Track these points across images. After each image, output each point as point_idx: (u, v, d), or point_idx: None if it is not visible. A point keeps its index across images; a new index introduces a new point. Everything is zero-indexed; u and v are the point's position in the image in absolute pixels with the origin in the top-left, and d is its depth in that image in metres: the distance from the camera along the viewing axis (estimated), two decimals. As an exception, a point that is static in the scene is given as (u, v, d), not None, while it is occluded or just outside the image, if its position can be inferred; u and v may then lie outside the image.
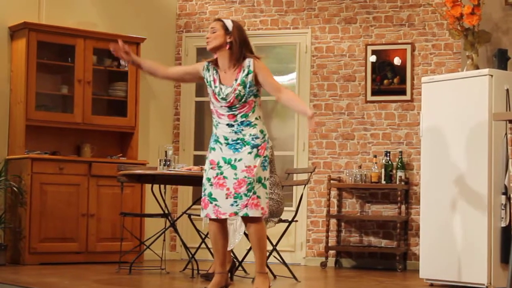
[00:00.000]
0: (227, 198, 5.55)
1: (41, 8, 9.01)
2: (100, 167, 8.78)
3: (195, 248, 7.88)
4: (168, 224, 7.75)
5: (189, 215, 7.68)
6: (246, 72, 5.59)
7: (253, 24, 9.69)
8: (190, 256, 7.50)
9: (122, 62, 6.48)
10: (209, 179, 5.64)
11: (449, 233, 6.99)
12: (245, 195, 5.51)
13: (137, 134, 9.21)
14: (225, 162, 5.59)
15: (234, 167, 5.56)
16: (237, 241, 7.01)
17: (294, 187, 9.01)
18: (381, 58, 9.19)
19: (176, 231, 7.76)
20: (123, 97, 9.22)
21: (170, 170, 7.26)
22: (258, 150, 5.55)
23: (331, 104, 9.36)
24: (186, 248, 7.68)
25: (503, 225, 6.72)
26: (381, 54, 9.20)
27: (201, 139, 9.91)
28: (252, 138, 5.56)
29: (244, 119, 5.58)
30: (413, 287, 7.17)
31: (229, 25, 5.65)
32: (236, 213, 5.55)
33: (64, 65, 8.91)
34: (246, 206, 5.51)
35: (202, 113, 9.97)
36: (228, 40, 5.61)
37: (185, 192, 9.59)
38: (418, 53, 9.08)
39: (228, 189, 5.55)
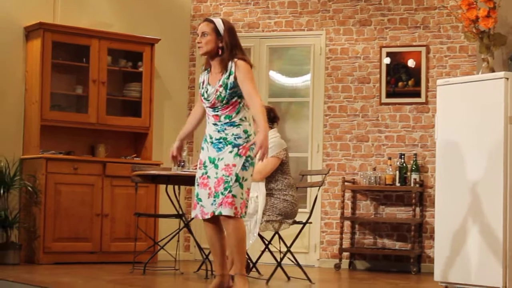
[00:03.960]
0: (208, 197, 5.49)
1: (56, 8, 9.03)
2: (114, 167, 8.81)
3: (209, 248, 7.87)
4: (182, 224, 7.76)
5: (203, 216, 7.66)
6: (228, 73, 5.49)
7: (267, 25, 9.70)
8: (204, 256, 7.51)
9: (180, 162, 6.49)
10: (197, 179, 5.62)
11: (464, 236, 6.98)
12: (222, 193, 5.42)
13: (151, 135, 9.23)
14: (210, 162, 5.54)
15: (216, 167, 5.50)
16: (251, 242, 7.02)
17: (308, 188, 9.01)
18: (396, 60, 9.18)
19: (190, 231, 7.78)
20: (137, 98, 9.24)
21: (184, 171, 7.27)
22: (239, 150, 5.46)
23: (345, 106, 9.36)
24: (200, 248, 7.70)
25: (518, 228, 6.71)
26: (396, 56, 9.19)
27: (215, 140, 9.91)
28: (234, 137, 5.48)
29: (227, 120, 5.50)
30: (428, 290, 7.18)
31: (221, 27, 5.52)
32: (214, 212, 5.47)
33: (78, 66, 8.95)
34: (221, 204, 5.42)
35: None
36: (220, 45, 5.51)
37: (199, 193, 9.59)
38: (433, 55, 9.08)
39: (210, 188, 5.49)
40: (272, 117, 7.45)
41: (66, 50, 8.92)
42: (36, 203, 8.39)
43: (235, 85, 5.47)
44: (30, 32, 8.76)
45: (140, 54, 9.25)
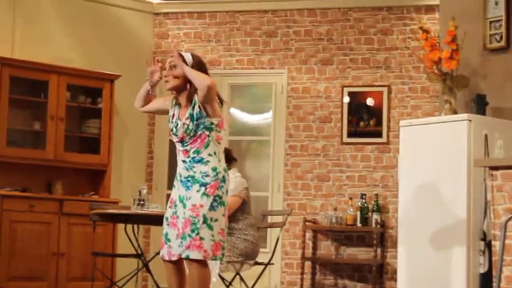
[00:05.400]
0: (177, 238, 5.32)
1: (14, 43, 8.95)
2: (72, 205, 8.66)
3: (167, 289, 7.75)
4: (141, 264, 7.62)
5: (163, 256, 7.55)
6: (192, 104, 5.36)
7: (229, 63, 9.69)
8: (163, 297, 7.38)
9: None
10: (167, 218, 5.44)
11: (426, 278, 6.93)
12: (189, 235, 5.25)
13: (110, 172, 9.11)
14: (179, 201, 5.39)
15: (184, 206, 5.34)
16: (214, 281, 6.90)
17: (269, 228, 8.93)
18: (358, 100, 9.21)
19: (149, 271, 7.63)
20: (96, 134, 9.14)
21: (144, 210, 7.15)
22: (206, 189, 5.29)
23: (306, 145, 9.35)
24: (159, 289, 7.56)
25: (482, 271, 6.67)
26: (358, 96, 9.22)
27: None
28: (202, 176, 5.32)
29: (196, 155, 5.36)
30: (390, 333, 7.10)
31: (189, 61, 5.37)
32: (181, 255, 5.29)
33: (37, 101, 8.82)
34: (188, 247, 5.25)
35: (176, 152, 9.88)
36: (188, 79, 5.35)
37: (158, 231, 9.42)
38: (394, 95, 9.12)
39: (178, 229, 5.33)
40: (230, 158, 7.37)
41: (24, 85, 8.79)
42: (-10, 242, 8.20)
43: (201, 115, 5.34)
44: (-13, 66, 8.62)
45: (100, 90, 9.16)
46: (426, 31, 7.49)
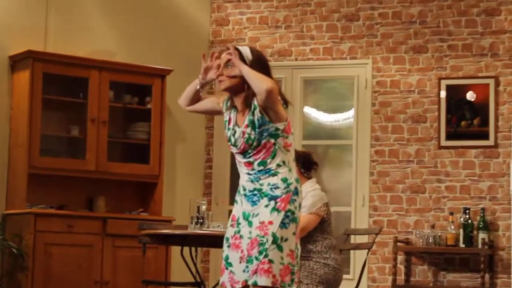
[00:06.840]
0: (240, 262, 5.27)
1: (48, 34, 9.05)
2: (117, 225, 8.72)
3: (232, 325, 7.68)
4: (200, 294, 7.59)
5: (226, 284, 7.50)
6: (252, 109, 5.29)
7: (301, 53, 9.68)
8: (227, 334, 7.30)
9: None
10: (227, 239, 5.41)
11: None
12: (256, 258, 5.19)
13: (161, 185, 9.16)
14: (243, 218, 5.34)
15: (250, 224, 5.29)
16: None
17: (352, 250, 8.83)
18: (458, 94, 9.14)
19: (209, 303, 7.61)
20: (145, 140, 9.19)
21: (204, 230, 7.09)
22: (276, 203, 5.23)
23: (396, 150, 9.30)
24: (222, 324, 7.49)
25: None
26: (458, 90, 9.15)
27: (238, 191, 9.80)
28: (271, 188, 5.27)
29: (262, 167, 5.31)
30: None
31: (248, 57, 5.27)
32: (246, 281, 5.24)
33: (74, 102, 8.91)
34: (255, 272, 5.19)
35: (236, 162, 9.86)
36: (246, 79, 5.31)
37: (219, 255, 9.39)
38: (503, 88, 9.04)
39: (242, 251, 5.27)
40: (310, 163, 7.31)
41: (60, 84, 8.87)
42: (22, 268, 8.27)
43: (264, 121, 5.25)
44: (16, 61, 8.73)
45: (149, 88, 9.22)
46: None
